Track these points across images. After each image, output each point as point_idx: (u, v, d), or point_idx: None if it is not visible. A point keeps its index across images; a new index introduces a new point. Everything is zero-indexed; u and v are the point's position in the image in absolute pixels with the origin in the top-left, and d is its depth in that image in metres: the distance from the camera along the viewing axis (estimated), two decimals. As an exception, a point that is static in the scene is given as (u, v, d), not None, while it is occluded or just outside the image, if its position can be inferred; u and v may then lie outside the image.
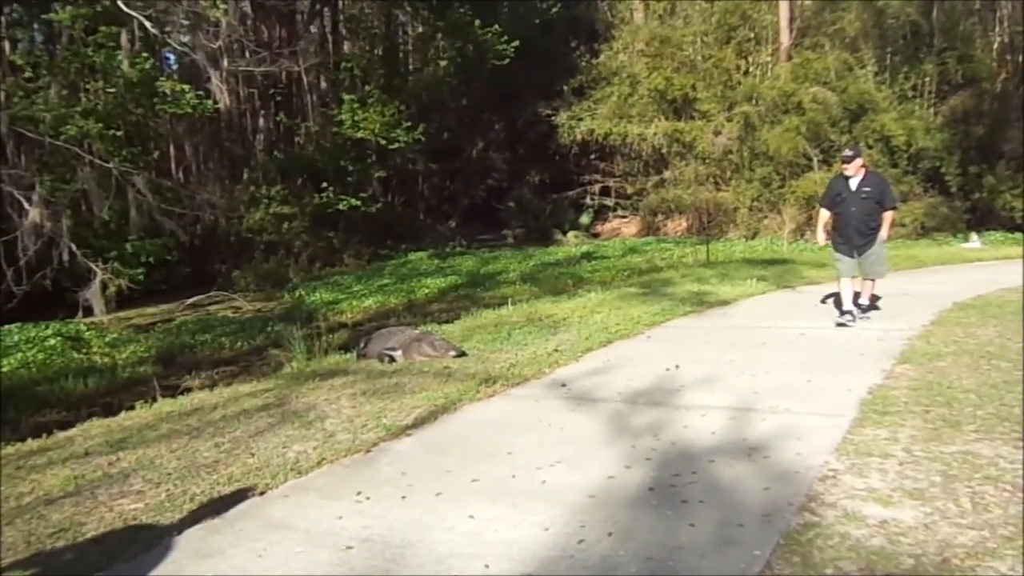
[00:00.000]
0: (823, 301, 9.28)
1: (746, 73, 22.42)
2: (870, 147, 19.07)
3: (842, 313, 7.82)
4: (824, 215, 8.13)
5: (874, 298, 8.27)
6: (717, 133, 21.46)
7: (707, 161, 22.07)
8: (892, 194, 7.82)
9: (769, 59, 22.32)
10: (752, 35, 22.55)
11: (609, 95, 23.97)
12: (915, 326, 7.47)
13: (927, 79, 19.98)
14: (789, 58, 21.26)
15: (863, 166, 7.74)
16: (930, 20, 20.31)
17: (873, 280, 8.02)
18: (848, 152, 7.95)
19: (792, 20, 21.59)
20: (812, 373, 5.85)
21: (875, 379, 5.54)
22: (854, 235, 7.67)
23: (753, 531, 3.26)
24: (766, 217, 20.93)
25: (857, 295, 8.00)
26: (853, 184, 7.59)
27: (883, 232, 7.72)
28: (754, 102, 21.00)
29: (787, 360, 6.38)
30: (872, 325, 7.68)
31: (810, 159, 19.70)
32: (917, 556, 2.97)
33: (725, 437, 4.48)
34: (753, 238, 20.30)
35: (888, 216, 7.69)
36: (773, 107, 20.47)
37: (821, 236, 8.24)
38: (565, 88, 25.15)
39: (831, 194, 7.92)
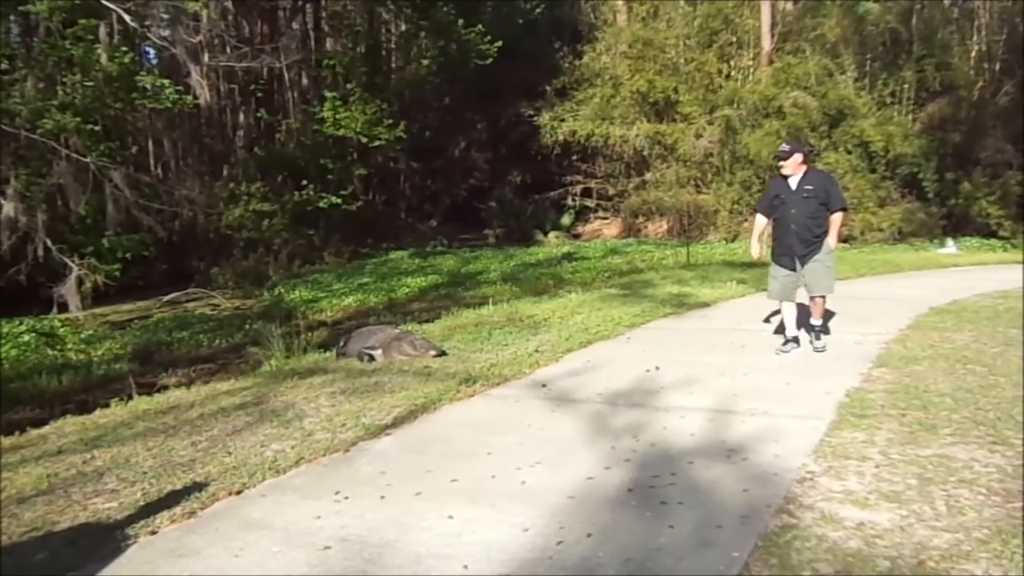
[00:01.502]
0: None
1: (728, 77, 22.57)
2: (849, 152, 19.27)
3: (785, 341, 6.78)
4: (760, 222, 6.97)
5: (827, 315, 7.15)
6: (698, 136, 21.58)
7: (688, 164, 22.19)
8: (839, 193, 6.69)
9: (751, 63, 22.50)
10: (734, 39, 22.72)
11: (592, 96, 24.05)
12: (892, 330, 7.55)
13: (906, 86, 20.20)
14: (770, 63, 21.44)
15: (804, 162, 6.58)
16: (909, 27, 20.54)
17: (822, 297, 6.75)
18: (784, 147, 6.69)
19: (774, 25, 21.78)
20: (790, 376, 5.89)
21: (852, 382, 5.58)
22: (795, 243, 6.54)
23: (731, 532, 3.27)
24: (746, 220, 21.04)
25: (806, 314, 6.94)
26: (793, 183, 6.52)
27: (830, 238, 6.57)
28: (735, 106, 21.15)
29: (766, 363, 6.42)
30: (850, 328, 7.71)
31: (790, 163, 19.84)
32: (893, 558, 3.00)
33: (704, 439, 4.49)
34: (733, 241, 20.43)
35: (836, 219, 6.54)
36: (754, 111, 20.63)
37: (755, 247, 7.05)
38: (548, 89, 25.19)
39: (768, 197, 6.83)
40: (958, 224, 19.26)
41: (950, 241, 17.70)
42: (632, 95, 22.87)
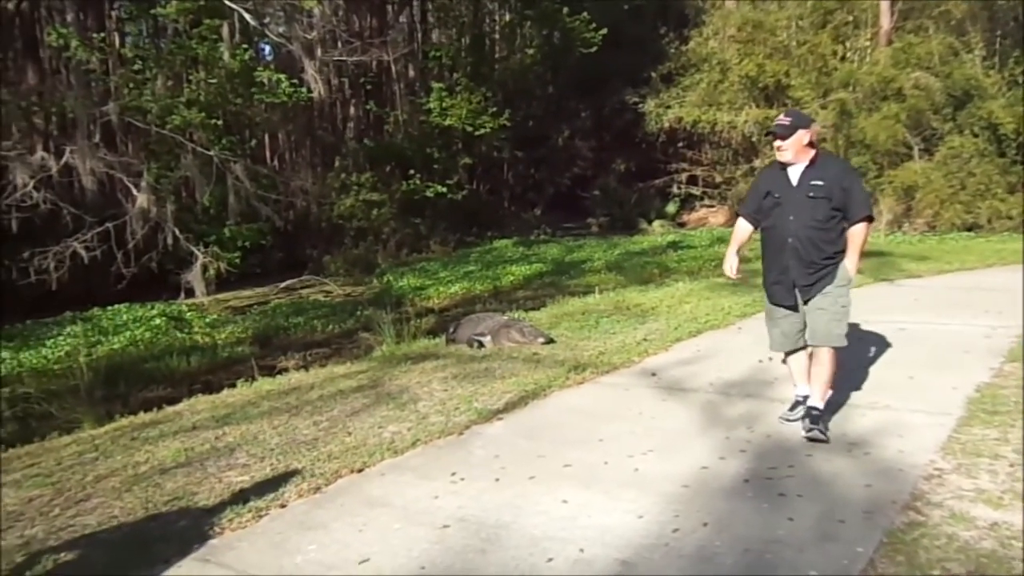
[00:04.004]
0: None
1: (843, 58, 21.63)
2: (975, 135, 18.18)
3: (794, 404, 4.67)
4: (741, 231, 4.70)
5: (829, 386, 4.47)
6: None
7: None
8: (863, 192, 4.48)
9: (868, 44, 21.47)
10: (850, 19, 21.72)
11: (698, 82, 23.53)
12: (1025, 323, 7.12)
13: (1040, 64, 18.89)
14: (890, 42, 20.42)
15: (811, 144, 4.32)
16: (1045, 0, 19.18)
17: (832, 349, 4.37)
18: (782, 120, 4.37)
19: (894, 2, 20.73)
20: (914, 369, 5.64)
21: (982, 377, 5.31)
22: (794, 266, 4.34)
23: (854, 528, 3.19)
24: (862, 207, 20.23)
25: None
26: (794, 175, 4.35)
27: (848, 262, 4.32)
28: (851, 88, 20.26)
29: (887, 355, 6.18)
30: (978, 321, 7.29)
31: (910, 147, 18.92)
32: (1031, 560, 2.86)
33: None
34: (847, 229, 19.64)
35: (857, 234, 4.29)
36: (871, 93, 19.71)
37: (731, 263, 4.72)
38: (653, 75, 24.78)
39: (755, 194, 4.61)
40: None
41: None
42: (740, 80, 22.23)
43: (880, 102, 19.39)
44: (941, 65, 18.82)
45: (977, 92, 18.28)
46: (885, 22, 20.60)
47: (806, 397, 4.51)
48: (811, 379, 4.48)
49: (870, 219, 4.34)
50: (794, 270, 4.35)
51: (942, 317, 7.59)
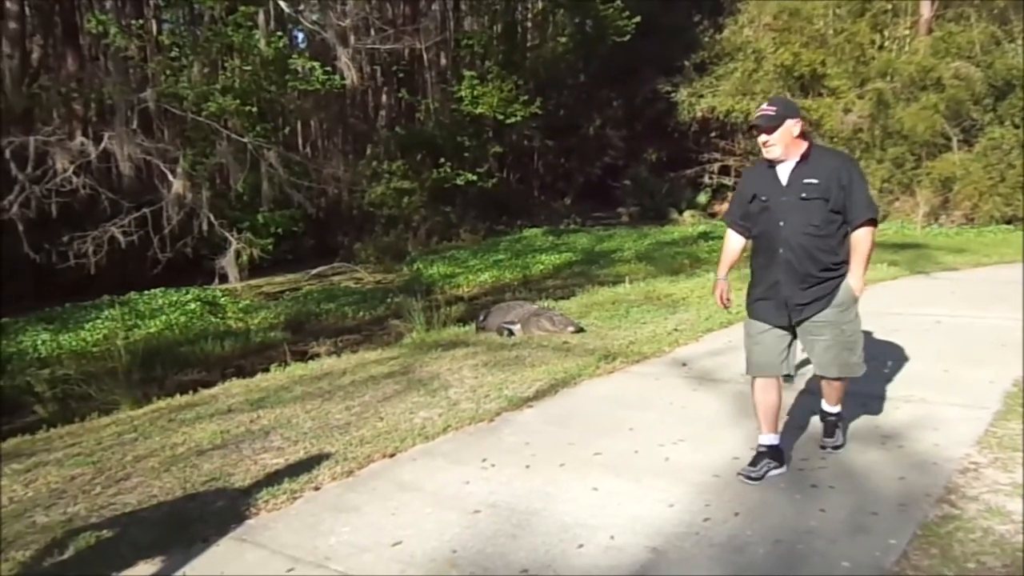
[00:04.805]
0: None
1: (881, 48, 21.26)
2: (1016, 126, 17.81)
3: (757, 456, 3.74)
4: (732, 245, 3.96)
5: (835, 419, 4.05)
6: (847, 111, 20.49)
7: (835, 140, 21.09)
8: (866, 191, 3.66)
9: (907, 32, 21.07)
10: (889, 7, 21.31)
11: (732, 71, 23.25)
12: (1066, 318, 6.98)
13: (1086, 53, 18.42)
14: (929, 31, 20.03)
15: (802, 135, 3.66)
16: (1092, -12, 18.68)
17: (840, 380, 3.85)
18: (766, 109, 3.66)
19: (934, -10, 20.33)
20: (949, 363, 5.57)
21: (1020, 372, 5.21)
22: (786, 281, 3.62)
23: (888, 520, 3.17)
24: (897, 199, 19.89)
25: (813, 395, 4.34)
26: (783, 174, 3.64)
27: (852, 277, 3.63)
28: (889, 78, 19.93)
29: (921, 348, 6.08)
30: (1016, 315, 7.13)
31: (949, 139, 18.60)
32: (1069, 557, 2.83)
33: (856, 424, 4.34)
34: (883, 221, 19.36)
35: (862, 239, 3.60)
36: (909, 83, 19.36)
37: (721, 290, 3.95)
38: (686, 64, 24.56)
39: (742, 199, 3.86)
40: None
41: None
42: (775, 69, 21.93)
43: (919, 92, 19.06)
44: (983, 55, 18.45)
45: (1019, 82, 17.89)
46: (925, 10, 20.21)
47: (775, 448, 3.75)
48: (826, 393, 3.98)
49: (874, 222, 3.61)
50: (786, 286, 3.60)
51: (979, 311, 7.47)
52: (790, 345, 3.75)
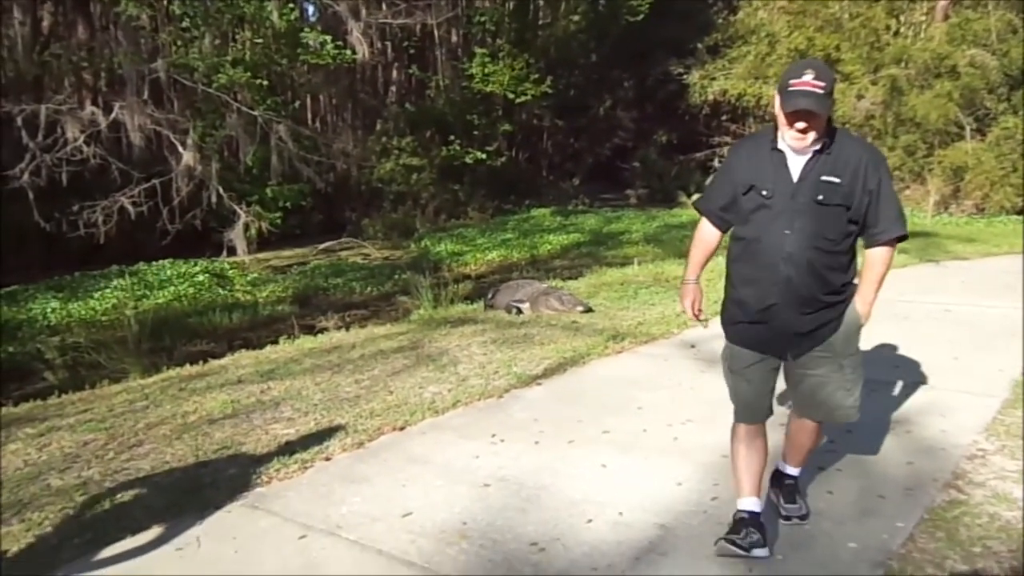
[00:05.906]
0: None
1: (896, 33, 21.07)
2: (1031, 116, 17.67)
3: (736, 526, 2.86)
4: (706, 237, 3.11)
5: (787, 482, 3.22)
6: (860, 97, 20.35)
7: (847, 126, 21.01)
8: (895, 198, 2.78)
9: (923, 18, 20.87)
10: (906, -8, 21.15)
11: (745, 54, 23.06)
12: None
13: (1106, 43, 18.23)
14: (946, 18, 19.83)
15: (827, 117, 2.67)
16: (1113, -23, 18.45)
17: (820, 425, 3.15)
18: (814, 82, 2.56)
19: (952, -24, 20.11)
20: (958, 350, 5.58)
21: (1028, 361, 5.23)
22: (786, 306, 2.75)
23: (895, 503, 3.20)
24: (908, 187, 19.79)
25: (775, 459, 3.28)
26: (796, 164, 2.69)
27: (861, 301, 2.83)
28: (903, 64, 19.77)
29: (931, 336, 6.10)
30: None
31: (962, 127, 18.47)
32: (1075, 543, 2.85)
33: (865, 409, 4.28)
34: (892, 209, 19.26)
35: (880, 260, 2.80)
36: (924, 70, 19.21)
37: (691, 299, 3.27)
38: (699, 46, 24.37)
39: (730, 184, 2.88)
40: None
41: None
42: (789, 53, 21.73)
43: (933, 79, 18.92)
44: (999, 43, 18.27)
45: (1034, 72, 17.75)
46: (942, -3, 20.01)
47: (753, 515, 2.87)
48: (790, 448, 3.18)
49: (903, 238, 2.76)
50: (785, 310, 2.74)
51: (989, 300, 7.46)
52: (774, 381, 3.01)
